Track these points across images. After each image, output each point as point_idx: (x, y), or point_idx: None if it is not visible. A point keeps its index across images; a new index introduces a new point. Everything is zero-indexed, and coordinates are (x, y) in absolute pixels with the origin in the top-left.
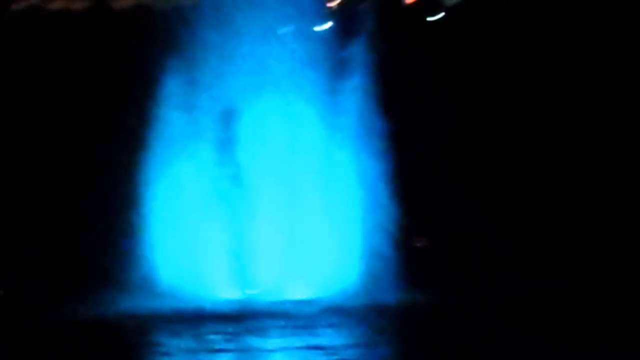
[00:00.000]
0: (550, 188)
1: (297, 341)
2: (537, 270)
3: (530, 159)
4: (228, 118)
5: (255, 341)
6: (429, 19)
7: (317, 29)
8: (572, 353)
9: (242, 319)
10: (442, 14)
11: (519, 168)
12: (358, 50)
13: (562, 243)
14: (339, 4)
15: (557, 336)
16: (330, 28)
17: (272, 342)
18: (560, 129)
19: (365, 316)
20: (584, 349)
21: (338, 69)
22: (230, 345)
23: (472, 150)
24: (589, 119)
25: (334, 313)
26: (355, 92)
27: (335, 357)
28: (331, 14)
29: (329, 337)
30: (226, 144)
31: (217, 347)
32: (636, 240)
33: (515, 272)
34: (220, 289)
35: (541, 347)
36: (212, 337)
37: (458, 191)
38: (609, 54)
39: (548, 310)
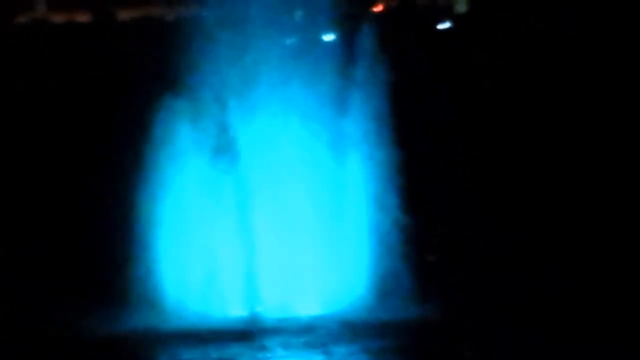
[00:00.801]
0: (550, 188)
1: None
2: (537, 270)
3: (530, 159)
4: (232, 130)
5: None
6: (439, 27)
7: (325, 39)
8: (572, 353)
9: (250, 337)
10: (449, 24)
11: (519, 168)
12: (364, 61)
13: (562, 243)
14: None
15: (557, 336)
16: (337, 38)
17: None
18: (560, 128)
19: (374, 330)
20: (584, 349)
21: (345, 81)
22: None
23: (472, 150)
24: (589, 119)
25: (344, 329)
26: (362, 103)
27: None
28: (338, 24)
29: (340, 356)
30: (232, 156)
31: None
32: (636, 240)
33: (515, 272)
34: (227, 306)
35: (541, 347)
36: (219, 356)
37: (458, 192)
38: (609, 54)
39: (548, 310)
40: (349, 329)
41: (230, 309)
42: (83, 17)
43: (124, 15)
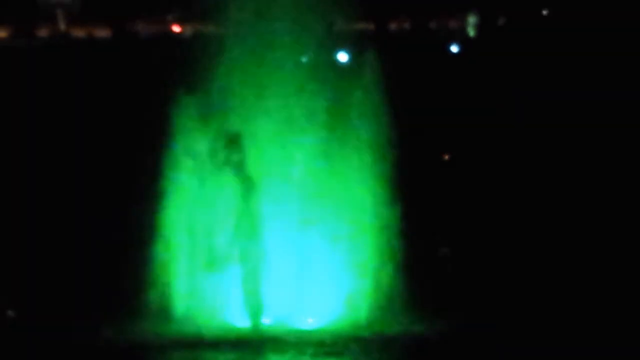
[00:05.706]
0: (549, 190)
1: None
2: (537, 271)
3: (531, 164)
4: (240, 143)
5: None
6: (452, 49)
7: (339, 58)
8: (572, 353)
9: (254, 348)
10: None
11: (519, 171)
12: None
13: (562, 244)
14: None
15: (556, 336)
16: (350, 58)
17: None
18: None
19: (374, 343)
20: (583, 349)
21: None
22: None
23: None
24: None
25: (348, 342)
26: (365, 117)
27: None
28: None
29: None
30: (238, 169)
31: None
32: (636, 240)
33: (515, 275)
34: (232, 317)
35: (541, 347)
36: None
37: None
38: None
39: (547, 311)
40: (346, 343)
41: (236, 320)
42: (103, 33)
43: (144, 31)
